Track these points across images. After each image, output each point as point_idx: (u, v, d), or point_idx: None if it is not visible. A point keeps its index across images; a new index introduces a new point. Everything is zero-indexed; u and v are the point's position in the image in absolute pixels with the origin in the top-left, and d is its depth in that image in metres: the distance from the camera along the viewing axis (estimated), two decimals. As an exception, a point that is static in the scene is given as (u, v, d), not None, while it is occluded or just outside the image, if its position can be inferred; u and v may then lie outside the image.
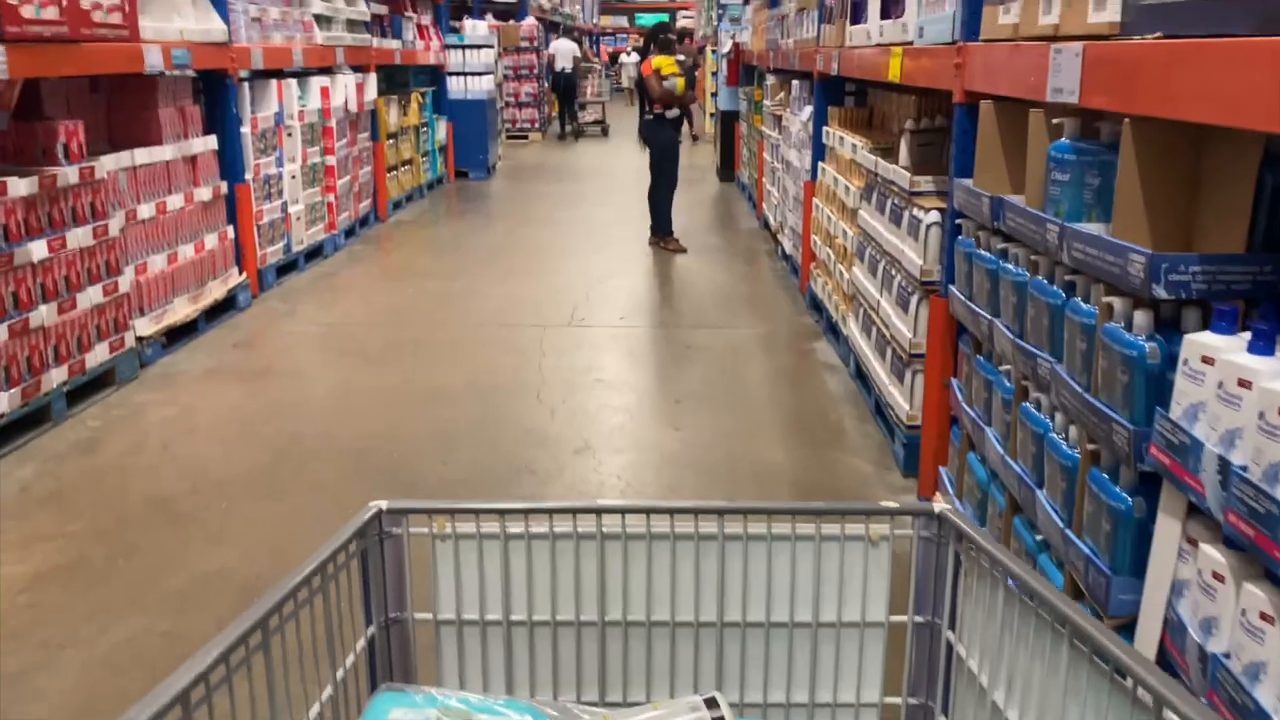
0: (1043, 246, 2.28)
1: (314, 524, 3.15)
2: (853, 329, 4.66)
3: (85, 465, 3.76)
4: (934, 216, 3.43)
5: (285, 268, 6.81)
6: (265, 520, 3.29)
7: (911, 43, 3.63)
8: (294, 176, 6.88)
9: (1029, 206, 2.41)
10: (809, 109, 6.20)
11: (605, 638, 1.53)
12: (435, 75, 11.55)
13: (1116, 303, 1.94)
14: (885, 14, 4.08)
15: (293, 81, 6.89)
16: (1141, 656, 1.09)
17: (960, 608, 1.44)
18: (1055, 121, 2.31)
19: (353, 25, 8.29)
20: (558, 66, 18.19)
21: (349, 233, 8.13)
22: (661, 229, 7.83)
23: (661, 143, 7.81)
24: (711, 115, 16.39)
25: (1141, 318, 1.86)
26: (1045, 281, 2.31)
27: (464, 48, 11.83)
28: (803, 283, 6.27)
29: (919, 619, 1.49)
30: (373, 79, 8.70)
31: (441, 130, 11.52)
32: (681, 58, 8.05)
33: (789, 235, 6.95)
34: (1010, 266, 2.52)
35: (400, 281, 6.82)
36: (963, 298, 2.91)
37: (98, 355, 4.44)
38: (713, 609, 1.51)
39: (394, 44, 9.53)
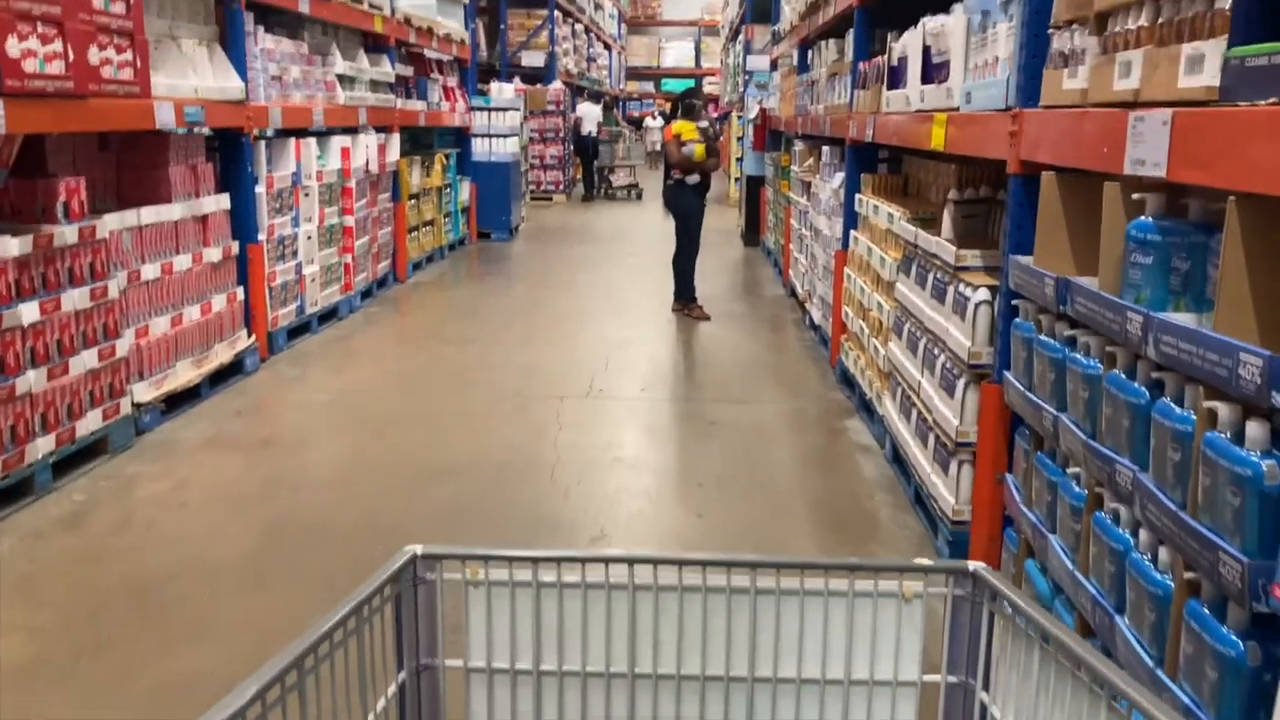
0: (1121, 337, 2.01)
1: (300, 622, 2.86)
2: (889, 409, 4.38)
3: (64, 544, 3.50)
4: (983, 295, 3.16)
5: (298, 330, 6.62)
6: (250, 615, 3.01)
7: (957, 109, 3.40)
8: (310, 237, 6.72)
9: (1103, 291, 2.14)
10: (840, 176, 5.99)
11: (635, 690, 1.52)
12: (460, 137, 11.50)
13: (1221, 409, 1.66)
14: (927, 78, 3.87)
15: (312, 141, 6.77)
16: (1175, 715, 1.06)
17: (995, 669, 1.41)
18: (1135, 197, 2.05)
19: (376, 86, 8.22)
20: (583, 130, 18.22)
21: (366, 294, 7.95)
22: (685, 295, 7.60)
23: (683, 208, 7.60)
24: (736, 180, 16.31)
25: (1257, 430, 1.58)
26: (1125, 377, 2.03)
27: (490, 110, 11.79)
28: (833, 355, 6.00)
29: (952, 679, 1.46)
30: (395, 140, 8.60)
31: (465, 191, 11.42)
32: (704, 124, 7.87)
33: (817, 304, 6.70)
34: (1080, 357, 2.25)
35: (414, 346, 6.61)
36: (1020, 387, 2.63)
37: (89, 423, 4.22)
38: (744, 663, 1.50)
39: (419, 105, 9.46)
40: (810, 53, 8.32)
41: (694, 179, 7.53)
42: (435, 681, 1.52)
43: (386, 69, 8.42)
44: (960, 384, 3.27)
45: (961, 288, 3.35)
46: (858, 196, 5.44)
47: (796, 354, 6.54)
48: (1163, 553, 1.87)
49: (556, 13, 18.04)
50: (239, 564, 3.36)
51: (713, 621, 1.49)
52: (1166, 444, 1.82)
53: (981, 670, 1.43)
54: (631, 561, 1.48)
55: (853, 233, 5.53)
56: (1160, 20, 1.97)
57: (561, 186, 17.37)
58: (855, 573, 1.47)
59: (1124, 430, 2.00)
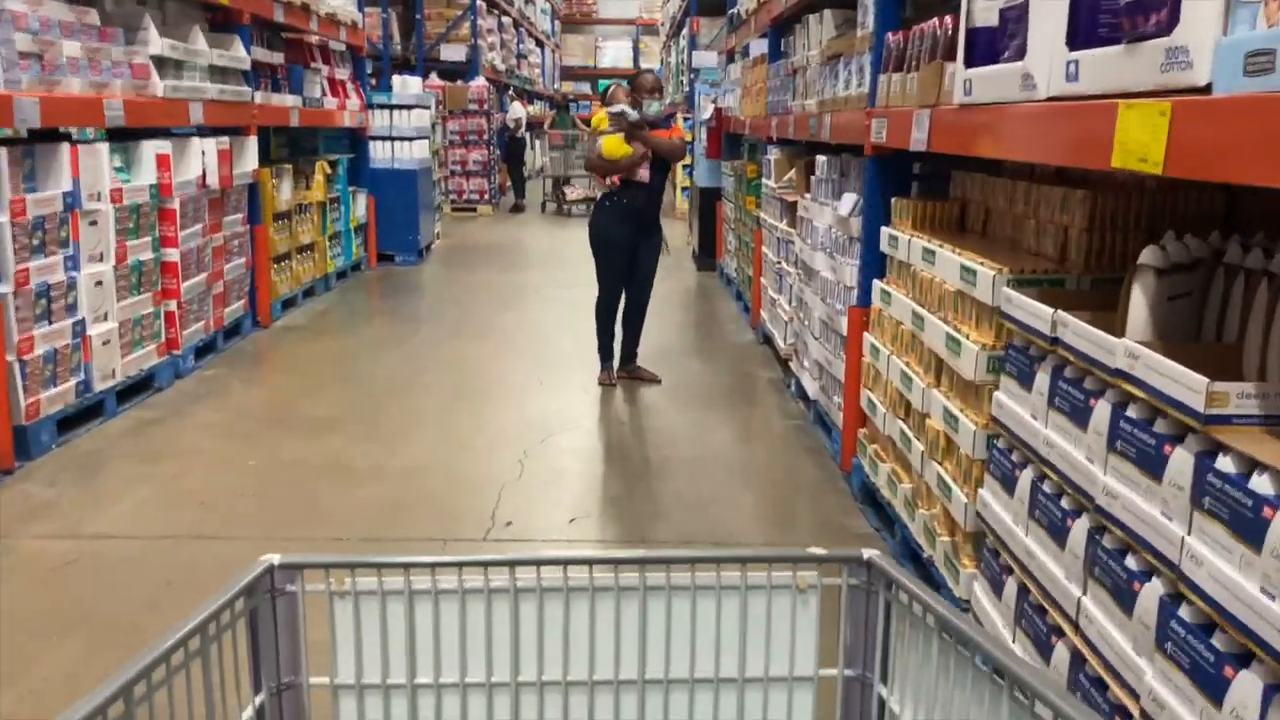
0: None
1: None
2: (986, 606, 2.58)
3: None
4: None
5: (82, 415, 4.65)
6: None
7: (1204, 88, 1.62)
8: (100, 282, 4.75)
9: None
10: (851, 198, 4.20)
11: (519, 700, 1.47)
12: (356, 140, 9.53)
13: None
14: (1086, 37, 2.08)
15: (102, 147, 4.80)
16: (1084, 708, 1.03)
17: (893, 660, 1.38)
18: None
19: (222, 74, 6.25)
20: (520, 133, 16.29)
21: (204, 350, 5.98)
22: (615, 356, 5.71)
23: (592, 233, 5.66)
24: (684, 190, 14.54)
25: None
26: None
27: (392, 108, 9.84)
28: (845, 456, 4.21)
29: (849, 673, 1.44)
30: (251, 144, 6.63)
31: (361, 206, 9.46)
32: (617, 108, 5.49)
33: (811, 370, 4.91)
34: None
35: (245, 441, 4.65)
36: None
37: None
38: (634, 665, 1.45)
39: (290, 100, 7.49)
40: (787, 36, 6.55)
41: (614, 192, 5.51)
42: (299, 701, 1.42)
43: (239, 53, 6.45)
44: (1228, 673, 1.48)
45: (1229, 465, 1.57)
46: (887, 231, 3.67)
47: (784, 444, 4.73)
48: None
49: (480, 2, 16.11)
50: None
51: (601, 622, 1.42)
52: None
53: (879, 662, 1.39)
54: (512, 564, 1.43)
55: (880, 284, 3.74)
56: None
57: (487, 196, 15.44)
58: (747, 565, 1.42)
59: None
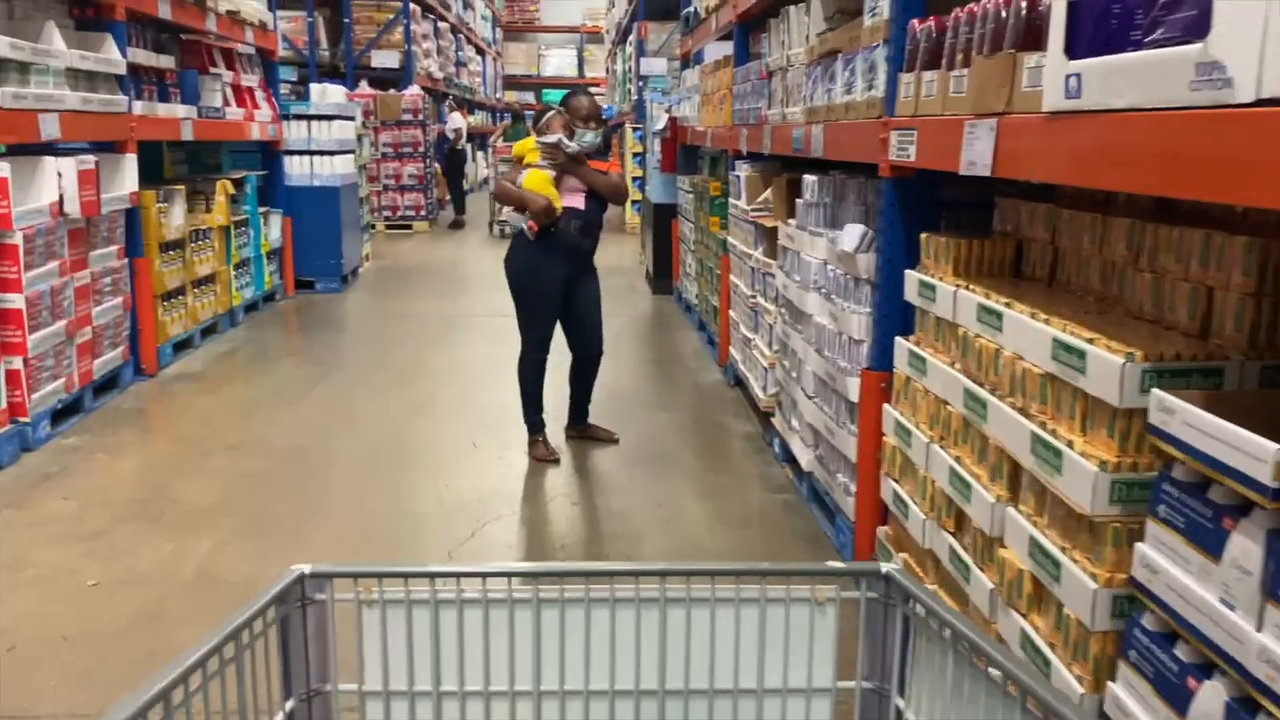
0: None
1: None
2: None
3: None
4: None
5: (-121, 513, 3.62)
6: None
7: None
8: (-96, 342, 3.73)
9: None
10: (857, 230, 3.34)
11: (541, 709, 1.46)
12: (270, 155, 8.51)
13: None
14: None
15: (-95, 169, 3.78)
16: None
17: (910, 673, 1.38)
18: None
19: (89, 80, 5.23)
20: (461, 144, 15.27)
21: (66, 412, 4.94)
22: (546, 426, 4.70)
23: (511, 273, 4.50)
24: (635, 204, 13.68)
25: None
26: None
27: (311, 119, 8.82)
28: (857, 557, 3.33)
29: (866, 685, 1.44)
30: (128, 162, 5.61)
31: (275, 228, 8.43)
32: (555, 139, 4.35)
33: (803, 434, 4.03)
34: None
35: (94, 542, 3.63)
36: None
37: None
38: (654, 676, 1.46)
39: (182, 111, 6.46)
40: (757, 33, 5.72)
41: (529, 225, 4.34)
42: (328, 708, 1.45)
43: (111, 55, 5.43)
44: None
45: None
46: (916, 277, 2.80)
47: (776, 534, 3.83)
48: None
49: (414, 6, 15.10)
50: None
51: (621, 634, 1.44)
52: None
53: (896, 674, 1.40)
54: (536, 575, 1.44)
55: (906, 344, 2.87)
56: None
57: (424, 211, 14.43)
58: (766, 578, 1.43)
59: None
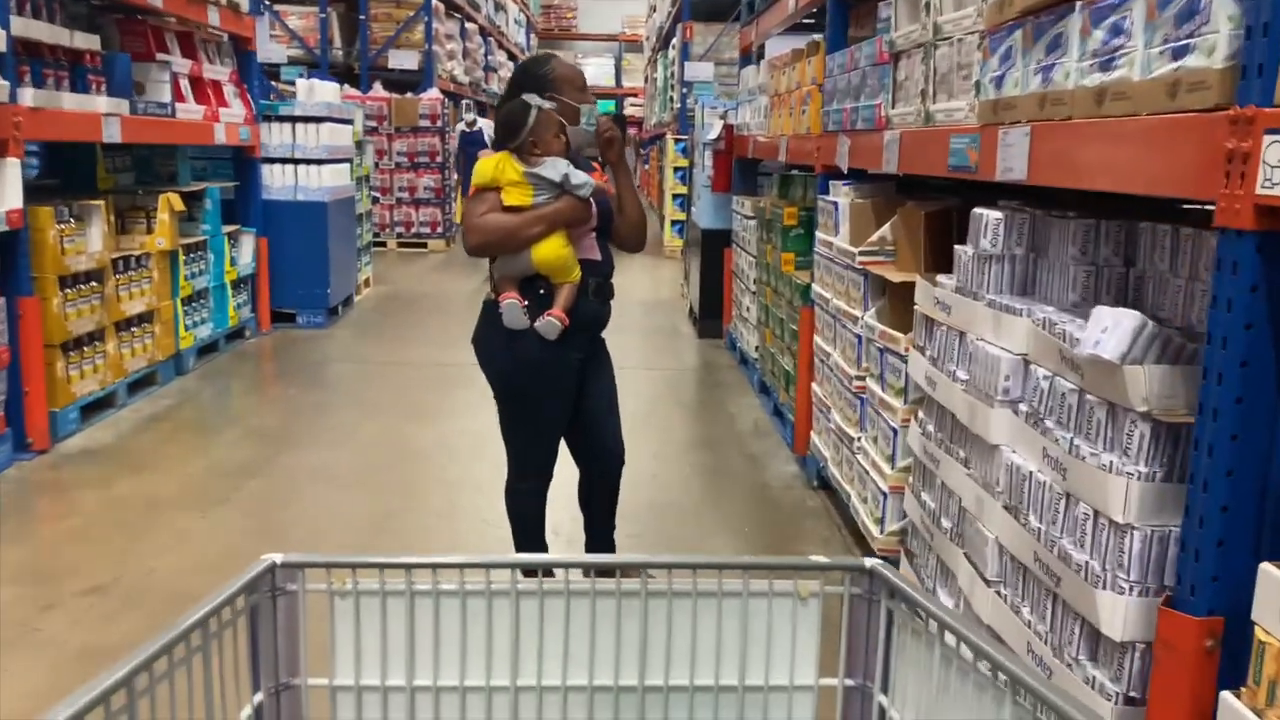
0: None
1: None
2: None
3: None
4: None
5: None
6: None
7: None
8: None
9: None
10: (1127, 325, 1.79)
11: (518, 704, 1.40)
12: (244, 164, 7.09)
13: None
14: None
15: None
16: (1092, 711, 0.99)
17: (894, 669, 1.35)
18: None
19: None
20: (476, 128, 13.84)
21: (-121, 522, 3.50)
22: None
23: (491, 365, 3.03)
24: (674, 225, 12.17)
25: None
26: None
27: (295, 120, 7.38)
28: None
29: (850, 682, 1.41)
30: (9, 169, 4.18)
31: (246, 251, 7.00)
32: (552, 173, 2.77)
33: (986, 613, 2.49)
34: None
35: None
36: None
37: None
38: (634, 671, 1.41)
39: (105, 104, 5.02)
40: (859, 9, 4.21)
41: (531, 284, 2.84)
42: (297, 702, 1.38)
43: (-14, 24, 4.01)
44: None
45: None
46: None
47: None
48: None
49: (437, 4, 13.73)
50: None
51: (602, 627, 1.40)
52: None
53: (880, 671, 1.37)
54: (514, 566, 1.40)
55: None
56: None
57: (440, 229, 13.01)
58: (749, 572, 1.40)
59: None
